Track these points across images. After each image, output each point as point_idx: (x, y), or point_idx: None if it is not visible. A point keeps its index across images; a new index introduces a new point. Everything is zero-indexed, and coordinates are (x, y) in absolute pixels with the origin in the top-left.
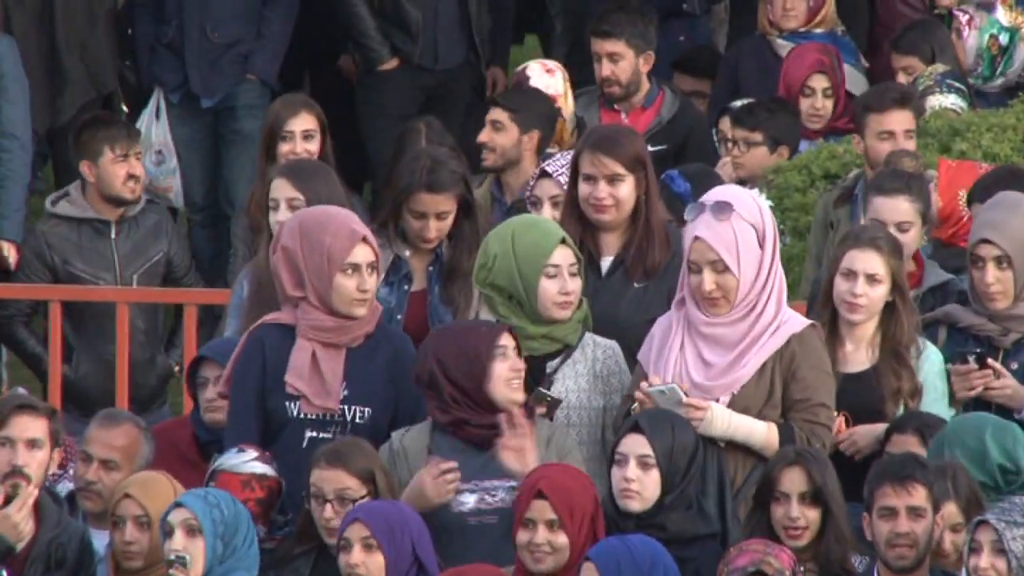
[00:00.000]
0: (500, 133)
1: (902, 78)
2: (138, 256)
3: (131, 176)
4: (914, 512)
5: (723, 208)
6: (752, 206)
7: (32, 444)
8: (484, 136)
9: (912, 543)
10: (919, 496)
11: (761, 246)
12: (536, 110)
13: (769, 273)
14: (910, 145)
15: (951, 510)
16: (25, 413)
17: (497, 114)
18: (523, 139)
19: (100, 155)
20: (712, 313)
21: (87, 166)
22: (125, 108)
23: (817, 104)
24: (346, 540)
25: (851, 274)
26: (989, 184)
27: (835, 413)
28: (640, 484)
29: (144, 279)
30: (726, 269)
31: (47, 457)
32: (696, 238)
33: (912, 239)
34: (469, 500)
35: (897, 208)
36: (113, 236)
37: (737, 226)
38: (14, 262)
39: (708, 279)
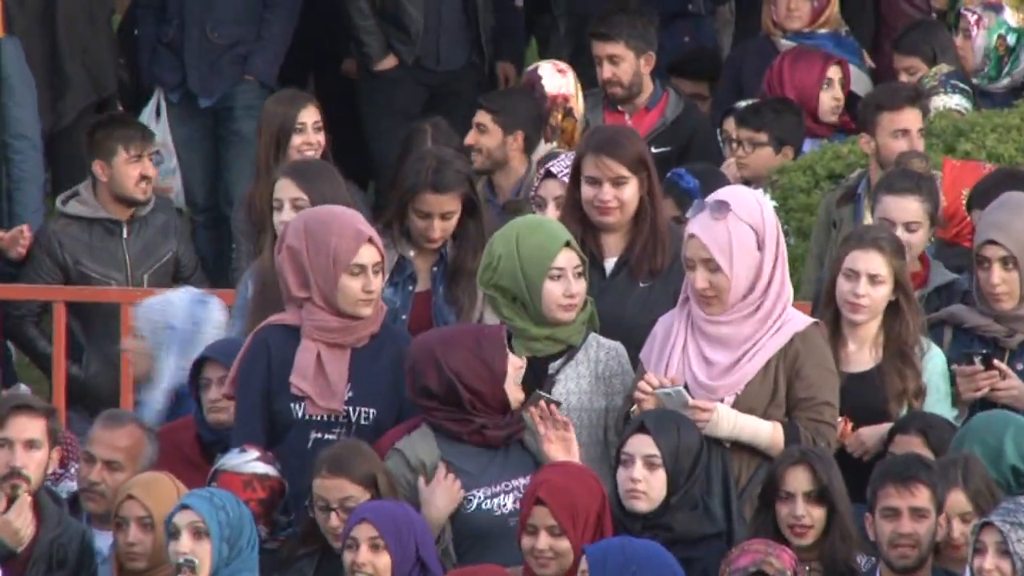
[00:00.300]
0: (484, 135)
1: (904, 78)
2: (148, 256)
3: (144, 177)
4: (917, 513)
5: (720, 207)
6: (753, 208)
7: (30, 445)
8: (470, 139)
9: (915, 543)
10: (922, 497)
11: (760, 248)
12: (519, 111)
13: (772, 275)
14: (922, 143)
15: (959, 499)
16: (23, 413)
17: (481, 116)
18: (508, 140)
19: (114, 155)
20: (708, 312)
21: (100, 165)
22: (120, 108)
23: (837, 95)
24: (353, 539)
25: (853, 274)
26: (988, 188)
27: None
28: (646, 484)
29: (154, 279)
30: (719, 268)
31: (46, 457)
32: (691, 235)
33: (920, 240)
34: (507, 502)
35: (907, 208)
36: (124, 236)
37: (733, 227)
38: (25, 247)
39: (701, 277)
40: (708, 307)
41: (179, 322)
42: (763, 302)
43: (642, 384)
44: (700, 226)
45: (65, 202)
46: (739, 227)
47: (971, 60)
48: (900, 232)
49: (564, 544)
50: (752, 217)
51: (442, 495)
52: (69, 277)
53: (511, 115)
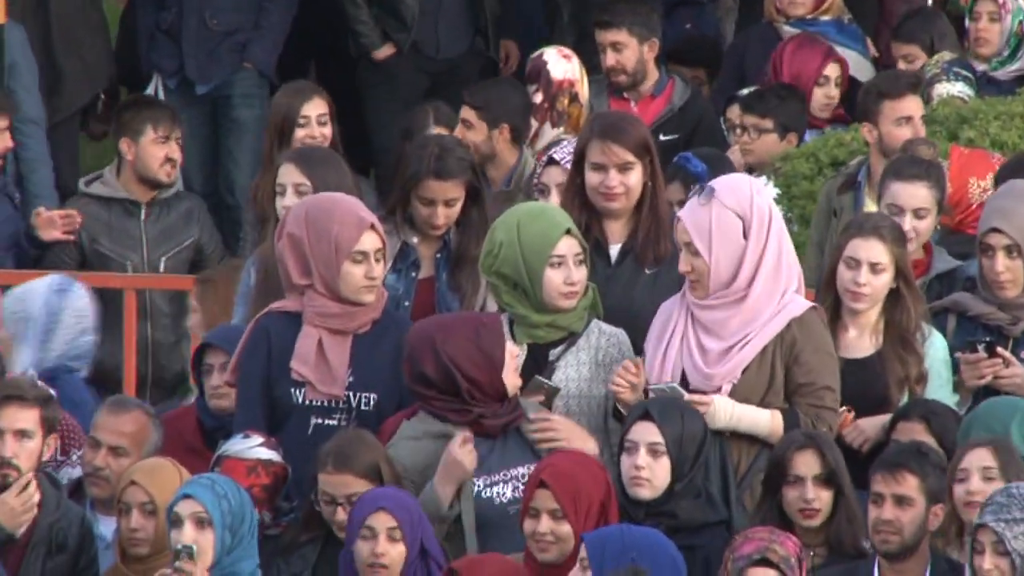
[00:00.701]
0: (471, 131)
1: (902, 66)
2: (167, 240)
3: (169, 159)
4: (901, 500)
5: (706, 193)
6: (743, 196)
7: (21, 435)
8: (457, 134)
9: (896, 531)
10: (908, 485)
11: (746, 236)
12: (503, 104)
13: (759, 264)
14: (924, 130)
15: (982, 453)
16: (13, 404)
17: (465, 112)
18: (494, 134)
19: (141, 134)
20: (694, 295)
21: (127, 143)
22: (103, 96)
23: (831, 93)
24: (370, 529)
25: (854, 263)
26: (1014, 170)
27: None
28: (650, 472)
29: (171, 264)
30: (698, 253)
31: (39, 446)
32: (678, 219)
33: (927, 226)
34: (506, 491)
35: (916, 194)
36: (143, 217)
37: (716, 213)
38: (63, 232)
39: (683, 260)
40: (693, 291)
41: (36, 311)
42: (749, 293)
43: (617, 379)
44: (687, 210)
45: (89, 183)
46: (723, 214)
47: (995, 44)
48: (908, 218)
49: (565, 528)
50: (739, 205)
51: (455, 466)
52: (85, 256)
53: (494, 109)
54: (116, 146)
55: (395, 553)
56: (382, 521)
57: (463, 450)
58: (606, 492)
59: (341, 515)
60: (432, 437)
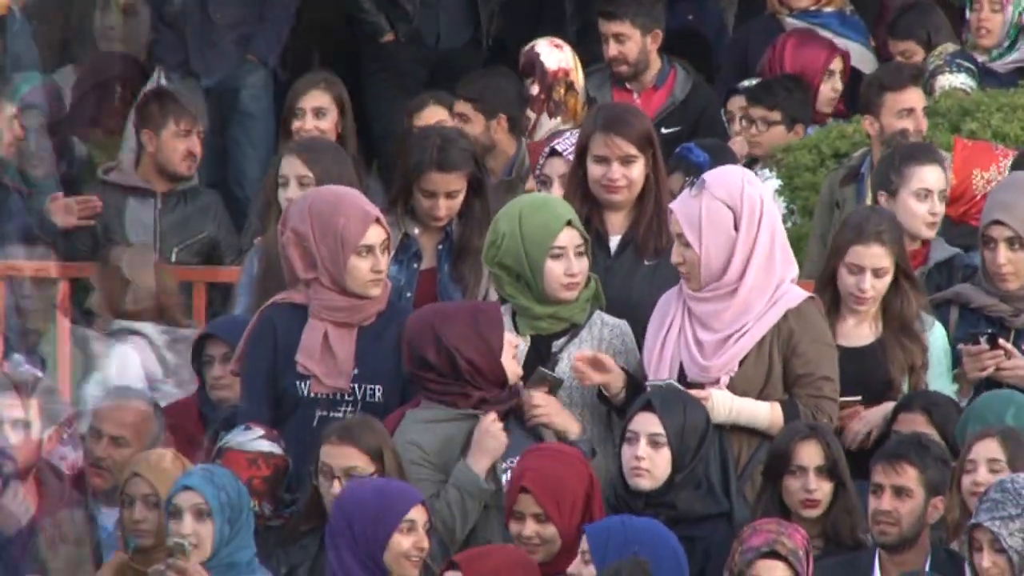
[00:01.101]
0: (468, 124)
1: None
2: (181, 231)
3: (190, 153)
4: (900, 492)
5: (697, 184)
6: (733, 187)
7: (22, 425)
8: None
9: (894, 522)
10: (907, 477)
11: (737, 228)
12: (498, 94)
13: (750, 256)
14: (926, 122)
15: (990, 445)
16: (14, 394)
17: (460, 106)
18: (491, 125)
19: (163, 127)
20: (688, 287)
21: (148, 135)
22: (118, 91)
23: (836, 86)
24: (411, 522)
25: (857, 269)
26: (1020, 164)
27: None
28: (650, 462)
29: (183, 255)
30: (689, 244)
31: (40, 437)
32: (671, 211)
33: (943, 208)
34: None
35: (940, 176)
36: (158, 207)
37: (706, 204)
38: (79, 218)
39: (675, 251)
40: (687, 282)
41: None
42: (740, 285)
43: (584, 376)
44: (678, 202)
45: (106, 171)
46: (713, 205)
47: (997, 33)
48: (936, 200)
49: (550, 530)
50: (730, 196)
51: (491, 439)
52: (97, 243)
53: (489, 100)
54: (136, 137)
55: (427, 547)
56: (422, 515)
57: (495, 426)
58: (588, 484)
59: (337, 488)
60: (449, 420)
